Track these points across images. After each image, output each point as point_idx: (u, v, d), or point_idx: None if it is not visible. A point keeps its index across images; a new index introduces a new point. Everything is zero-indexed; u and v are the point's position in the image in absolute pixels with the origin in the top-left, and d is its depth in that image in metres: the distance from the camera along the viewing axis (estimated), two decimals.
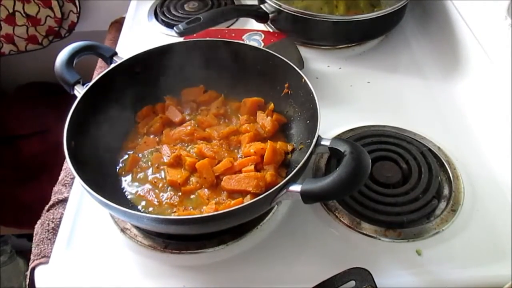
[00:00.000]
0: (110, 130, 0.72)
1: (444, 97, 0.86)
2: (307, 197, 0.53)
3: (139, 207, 0.65)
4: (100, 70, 1.02)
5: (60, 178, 0.81)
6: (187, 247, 0.63)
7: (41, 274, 0.65)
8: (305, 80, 0.69)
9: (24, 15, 1.32)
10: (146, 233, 0.65)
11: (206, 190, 0.66)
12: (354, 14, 0.93)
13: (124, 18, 1.13)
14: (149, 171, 0.69)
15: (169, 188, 0.67)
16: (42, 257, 0.66)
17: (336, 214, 0.66)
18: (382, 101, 0.86)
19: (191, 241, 0.63)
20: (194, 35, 0.87)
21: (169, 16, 1.08)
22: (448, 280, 0.59)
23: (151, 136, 0.74)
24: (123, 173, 0.69)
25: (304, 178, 0.56)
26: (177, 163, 0.69)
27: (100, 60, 1.05)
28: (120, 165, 0.70)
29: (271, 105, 0.76)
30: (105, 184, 0.65)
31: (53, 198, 0.76)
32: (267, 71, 0.76)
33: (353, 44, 0.99)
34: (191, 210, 0.64)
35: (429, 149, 0.73)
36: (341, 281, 0.54)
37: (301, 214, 0.67)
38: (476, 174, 0.71)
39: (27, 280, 0.67)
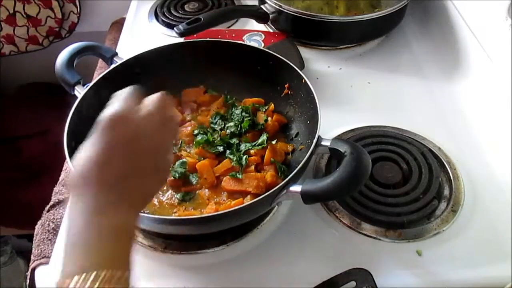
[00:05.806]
0: None
1: (444, 97, 0.86)
2: (308, 197, 0.53)
3: None
4: (100, 71, 1.02)
5: (60, 178, 0.81)
6: (188, 248, 0.63)
7: (41, 275, 0.65)
8: (305, 80, 0.69)
9: (24, 15, 1.32)
10: (146, 233, 0.65)
11: (206, 190, 0.66)
12: (354, 15, 0.93)
13: (124, 18, 1.13)
14: None
15: (170, 188, 0.67)
16: (43, 258, 0.66)
17: (337, 214, 0.66)
18: (382, 101, 0.86)
19: (192, 242, 0.63)
20: (195, 35, 0.87)
21: (169, 17, 1.08)
22: (448, 280, 0.59)
23: None
24: None
25: (304, 178, 0.56)
26: None
27: (100, 60, 1.05)
28: None
29: (272, 106, 0.76)
30: None
31: (54, 199, 0.76)
32: (267, 72, 0.76)
33: (353, 45, 0.99)
34: (192, 210, 0.64)
35: (430, 150, 0.73)
36: (342, 282, 0.54)
37: (302, 215, 0.66)
38: (477, 174, 0.71)
39: (28, 281, 0.67)
